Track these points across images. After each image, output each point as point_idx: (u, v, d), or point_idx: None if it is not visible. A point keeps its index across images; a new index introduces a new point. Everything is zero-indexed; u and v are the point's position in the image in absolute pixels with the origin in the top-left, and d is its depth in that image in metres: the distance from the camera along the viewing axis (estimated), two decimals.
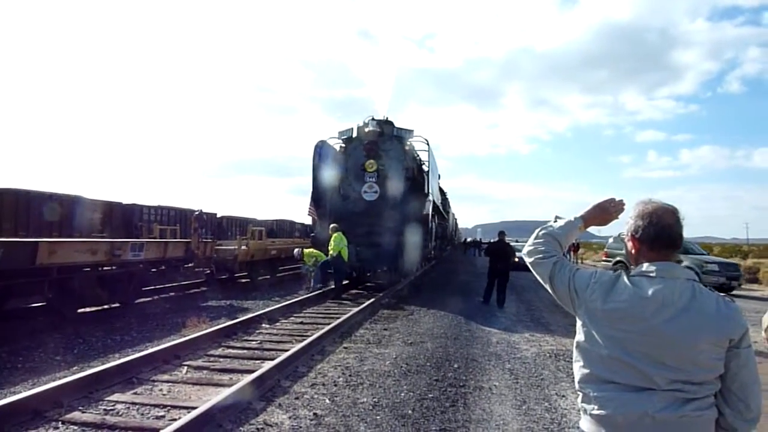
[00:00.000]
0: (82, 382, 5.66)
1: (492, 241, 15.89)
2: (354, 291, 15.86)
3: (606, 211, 2.16)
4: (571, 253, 39.61)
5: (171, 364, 6.96)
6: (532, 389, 6.28)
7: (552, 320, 11.25)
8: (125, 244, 11.38)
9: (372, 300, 12.67)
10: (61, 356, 7.48)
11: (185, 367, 6.88)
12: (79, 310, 10.57)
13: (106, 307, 11.47)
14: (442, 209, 25.15)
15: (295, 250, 16.01)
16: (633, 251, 1.96)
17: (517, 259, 21.08)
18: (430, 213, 16.39)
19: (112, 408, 5.29)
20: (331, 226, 14.50)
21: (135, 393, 5.81)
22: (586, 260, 41.05)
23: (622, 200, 2.13)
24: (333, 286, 14.49)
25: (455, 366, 7.22)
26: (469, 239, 70.72)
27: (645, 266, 1.87)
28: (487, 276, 14.31)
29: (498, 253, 14.16)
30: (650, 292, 1.79)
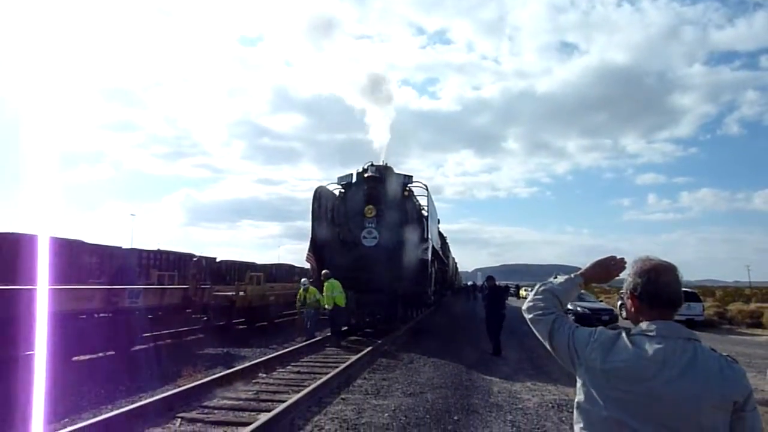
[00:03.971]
0: None
1: (484, 284, 15.92)
2: (353, 338, 15.65)
3: (606, 269, 2.14)
4: None
5: (164, 416, 6.81)
6: None
7: (554, 368, 11.02)
8: (123, 291, 11.29)
9: (371, 348, 12.48)
10: (52, 407, 7.30)
11: (179, 420, 6.73)
12: (74, 358, 10.40)
13: (101, 354, 11.30)
14: (442, 254, 25.08)
15: (303, 280, 15.65)
16: (632, 309, 1.93)
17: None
18: (430, 258, 16.33)
19: None
20: (323, 272, 14.40)
21: None
22: None
23: (622, 258, 2.11)
24: (329, 334, 14.33)
25: (455, 418, 7.05)
26: (470, 283, 70.14)
27: (645, 325, 1.83)
28: (486, 324, 14.10)
29: (494, 297, 14.04)
30: (651, 352, 1.74)
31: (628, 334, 1.84)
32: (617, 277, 2.14)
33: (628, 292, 1.93)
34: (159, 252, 24.63)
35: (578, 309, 21.61)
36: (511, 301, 36.12)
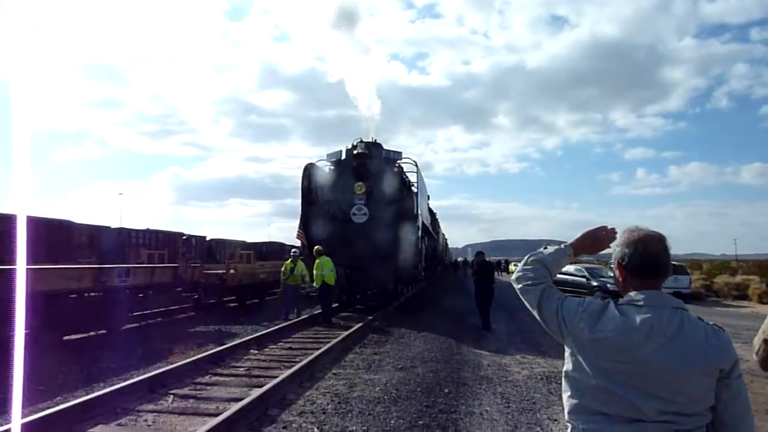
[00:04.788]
0: (64, 414, 5.53)
1: (473, 260, 16.02)
2: (344, 314, 15.74)
3: (596, 240, 2.13)
4: None
5: (157, 393, 6.83)
6: (523, 413, 6.20)
7: (544, 341, 11.16)
8: (112, 270, 11.25)
9: (362, 323, 12.57)
10: (44, 386, 7.30)
11: (171, 396, 6.75)
12: (65, 338, 10.39)
13: (92, 333, 11.28)
14: (432, 230, 25.14)
15: (293, 250, 15.62)
16: (620, 279, 1.94)
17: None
18: (420, 234, 16.37)
19: None
20: (316, 248, 14.38)
21: (119, 424, 5.69)
22: None
23: (613, 228, 2.10)
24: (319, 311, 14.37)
25: (446, 391, 7.13)
26: (460, 259, 70.48)
27: (633, 294, 1.84)
28: (475, 299, 14.19)
29: (483, 272, 14.12)
30: (638, 321, 1.75)
31: (616, 304, 1.85)
32: (608, 249, 2.14)
33: (616, 262, 1.93)
34: (148, 231, 24.56)
35: (608, 286, 20.23)
36: (504, 276, 36.44)
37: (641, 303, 1.79)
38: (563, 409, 1.93)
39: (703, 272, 35.59)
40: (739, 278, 29.77)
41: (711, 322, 1.82)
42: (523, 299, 2.12)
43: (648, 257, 1.84)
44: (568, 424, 1.88)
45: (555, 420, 5.91)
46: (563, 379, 1.92)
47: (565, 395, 1.90)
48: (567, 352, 1.92)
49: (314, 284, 14.05)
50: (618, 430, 1.73)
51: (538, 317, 2.05)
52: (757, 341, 3.16)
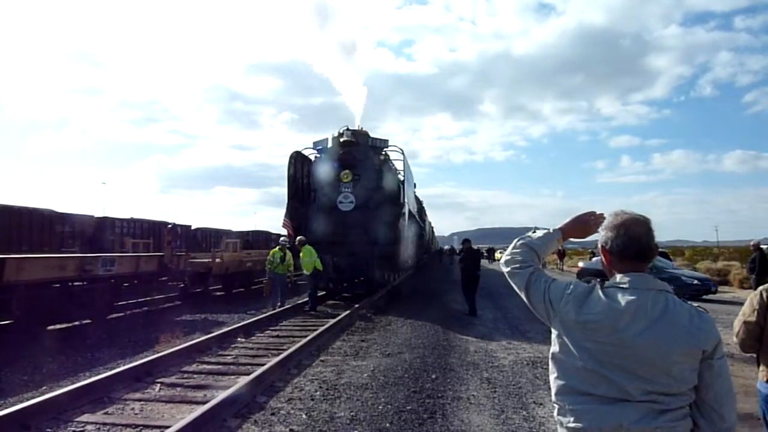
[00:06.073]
0: (51, 402, 5.50)
1: (460, 248, 16.16)
2: (331, 302, 15.77)
3: (585, 224, 2.15)
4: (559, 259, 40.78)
5: (143, 381, 6.81)
6: (509, 398, 6.28)
7: (529, 327, 11.28)
8: (96, 259, 11.14)
9: (349, 311, 12.59)
10: (29, 376, 7.26)
11: (158, 385, 6.74)
12: (49, 327, 10.31)
13: (77, 323, 11.19)
14: (418, 218, 25.19)
15: (282, 238, 15.45)
16: (605, 263, 1.96)
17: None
18: (406, 222, 16.40)
19: (81, 429, 5.15)
20: (299, 238, 14.31)
21: (106, 413, 5.67)
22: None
23: (601, 214, 2.11)
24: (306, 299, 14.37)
25: (433, 376, 7.19)
26: (446, 247, 70.76)
27: (618, 278, 1.86)
28: (462, 286, 14.29)
29: (470, 260, 14.21)
30: (623, 303, 1.78)
31: (602, 287, 1.87)
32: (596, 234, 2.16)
33: (601, 246, 1.95)
34: (133, 220, 24.26)
35: (684, 278, 19.34)
36: (494, 265, 36.58)
37: (626, 286, 1.82)
38: (550, 390, 1.96)
39: (685, 258, 36.09)
40: (720, 264, 30.21)
41: (695, 304, 1.85)
42: (511, 282, 2.14)
43: (631, 240, 1.86)
44: (555, 405, 1.91)
45: (540, 404, 5.99)
46: (550, 361, 1.95)
47: (552, 377, 1.93)
48: (554, 334, 1.95)
49: (305, 271, 14.04)
50: (604, 411, 1.76)
51: (525, 300, 2.07)
52: (737, 324, 3.24)
